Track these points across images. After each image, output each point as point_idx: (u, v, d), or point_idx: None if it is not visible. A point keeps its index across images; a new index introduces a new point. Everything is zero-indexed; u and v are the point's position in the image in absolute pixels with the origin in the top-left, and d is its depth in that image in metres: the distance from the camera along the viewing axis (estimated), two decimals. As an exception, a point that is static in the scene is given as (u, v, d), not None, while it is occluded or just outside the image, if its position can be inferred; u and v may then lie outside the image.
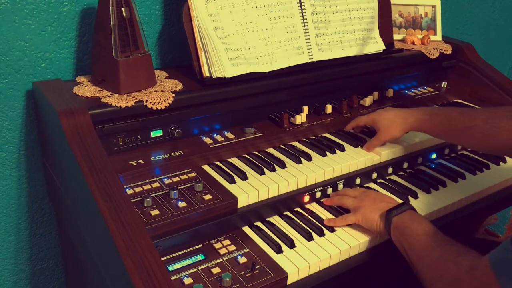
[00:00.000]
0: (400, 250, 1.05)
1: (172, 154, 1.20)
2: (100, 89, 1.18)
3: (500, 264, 0.83)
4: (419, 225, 1.04)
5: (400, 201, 1.25)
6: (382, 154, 1.33)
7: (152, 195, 1.06)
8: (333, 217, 1.18)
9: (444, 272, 0.94)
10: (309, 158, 1.27)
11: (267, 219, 1.16)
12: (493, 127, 1.15)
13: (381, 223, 1.08)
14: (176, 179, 1.14)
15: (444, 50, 1.70)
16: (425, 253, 0.99)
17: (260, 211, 1.14)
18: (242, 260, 1.01)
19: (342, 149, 1.33)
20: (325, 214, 1.19)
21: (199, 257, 1.02)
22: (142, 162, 1.16)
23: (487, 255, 0.86)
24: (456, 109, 1.25)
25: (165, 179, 1.13)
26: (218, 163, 1.23)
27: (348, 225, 1.15)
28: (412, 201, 1.26)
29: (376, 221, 1.09)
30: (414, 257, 1.01)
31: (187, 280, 0.95)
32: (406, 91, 1.71)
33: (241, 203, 1.11)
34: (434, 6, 1.75)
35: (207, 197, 1.08)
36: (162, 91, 1.19)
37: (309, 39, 1.39)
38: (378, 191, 1.18)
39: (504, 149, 1.18)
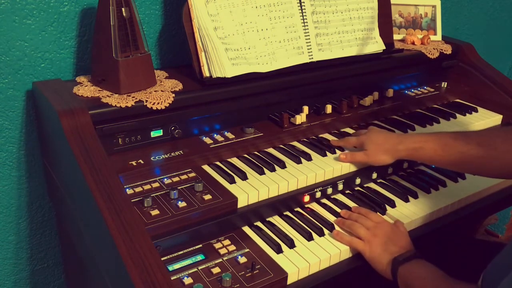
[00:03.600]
0: None
1: (172, 154, 1.20)
2: (100, 89, 1.18)
3: None
4: (425, 270, 1.02)
5: (403, 201, 1.25)
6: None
7: (152, 195, 1.06)
8: (334, 217, 1.18)
9: None
10: (309, 158, 1.27)
11: (267, 219, 1.16)
12: (488, 150, 1.12)
13: (388, 268, 1.06)
14: (176, 179, 1.14)
15: (444, 50, 1.70)
16: None
17: (260, 211, 1.14)
18: (242, 260, 1.01)
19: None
20: (325, 214, 1.19)
21: (199, 257, 1.02)
22: (142, 162, 1.16)
23: None
24: (450, 134, 1.20)
25: (165, 179, 1.13)
26: (218, 163, 1.23)
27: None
28: (412, 201, 1.26)
29: (383, 265, 1.06)
30: None
31: (187, 280, 0.95)
32: (406, 91, 1.71)
33: (241, 203, 1.11)
34: (434, 6, 1.75)
35: (207, 197, 1.08)
36: (162, 91, 1.19)
37: (309, 39, 1.39)
38: (393, 227, 1.13)
39: (500, 173, 1.15)
